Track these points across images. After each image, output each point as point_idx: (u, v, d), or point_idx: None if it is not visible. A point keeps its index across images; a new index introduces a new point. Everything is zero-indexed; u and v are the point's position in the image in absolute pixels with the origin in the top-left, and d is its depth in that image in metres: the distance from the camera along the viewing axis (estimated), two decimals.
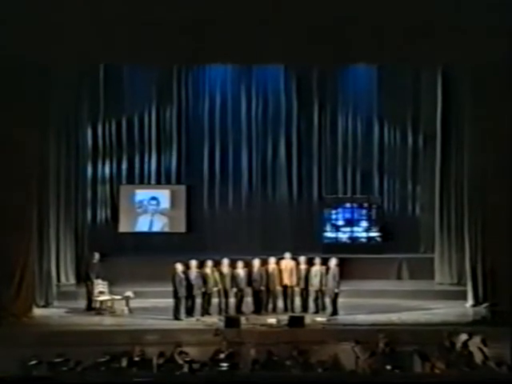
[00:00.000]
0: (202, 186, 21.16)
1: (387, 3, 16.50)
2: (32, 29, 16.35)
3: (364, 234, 20.67)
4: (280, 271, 17.06)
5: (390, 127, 21.00)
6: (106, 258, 18.56)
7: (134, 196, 20.96)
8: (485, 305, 17.42)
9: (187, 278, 16.54)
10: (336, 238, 20.62)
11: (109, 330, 15.93)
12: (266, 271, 16.99)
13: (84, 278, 17.80)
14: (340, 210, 20.82)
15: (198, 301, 16.76)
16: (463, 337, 13.13)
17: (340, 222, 20.76)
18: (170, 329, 15.76)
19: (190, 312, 16.63)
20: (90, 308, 17.21)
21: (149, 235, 20.96)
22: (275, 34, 16.81)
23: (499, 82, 16.89)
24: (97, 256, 17.75)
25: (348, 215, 20.79)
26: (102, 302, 17.08)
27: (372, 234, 20.62)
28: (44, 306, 17.45)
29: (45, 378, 11.01)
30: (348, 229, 20.71)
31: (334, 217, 20.74)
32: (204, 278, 16.73)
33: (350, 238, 20.69)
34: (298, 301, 17.22)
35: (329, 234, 20.65)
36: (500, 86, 16.88)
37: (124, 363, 12.08)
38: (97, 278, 17.28)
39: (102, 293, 17.17)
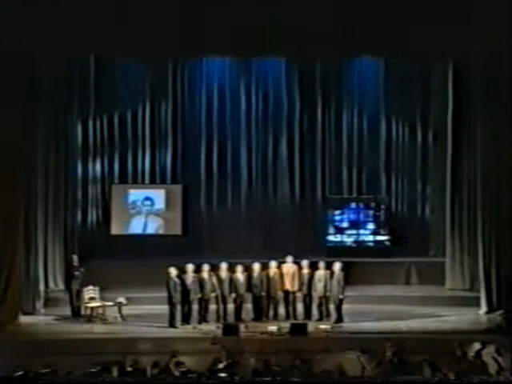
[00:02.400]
0: (199, 186, 21.13)
1: None
2: (18, 19, 16.31)
3: (371, 238, 20.62)
4: (281, 276, 17.01)
5: (398, 123, 20.97)
6: (96, 262, 18.56)
7: (126, 196, 20.91)
8: (499, 312, 17.34)
9: (183, 283, 16.49)
10: (341, 242, 20.57)
11: (100, 338, 15.86)
12: (267, 276, 16.94)
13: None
14: (345, 211, 20.76)
15: (195, 307, 16.72)
16: (476, 346, 13.07)
17: (345, 224, 20.70)
18: (164, 337, 15.71)
19: (186, 319, 16.57)
20: (76, 314, 17.18)
21: (143, 238, 20.91)
22: (276, 24, 16.77)
23: None
24: (75, 259, 17.80)
25: (353, 217, 20.73)
26: (92, 308, 17.01)
27: (380, 238, 20.54)
28: (31, 313, 17.37)
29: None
30: (353, 231, 20.65)
31: (338, 218, 20.68)
32: (201, 283, 16.68)
33: (356, 241, 20.62)
34: (300, 307, 17.15)
35: (333, 237, 20.59)
36: None
37: (115, 373, 12.00)
38: (82, 285, 17.23)
39: (92, 299, 17.12)
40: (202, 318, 16.73)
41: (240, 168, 21.13)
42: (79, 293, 17.26)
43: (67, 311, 17.36)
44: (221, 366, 12.59)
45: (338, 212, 20.75)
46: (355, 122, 21.07)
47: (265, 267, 17.03)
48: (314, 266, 17.03)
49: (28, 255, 17.43)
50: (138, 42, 17.00)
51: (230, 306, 16.96)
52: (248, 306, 17.05)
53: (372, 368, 12.51)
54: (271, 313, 17.05)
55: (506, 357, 12.83)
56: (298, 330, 15.85)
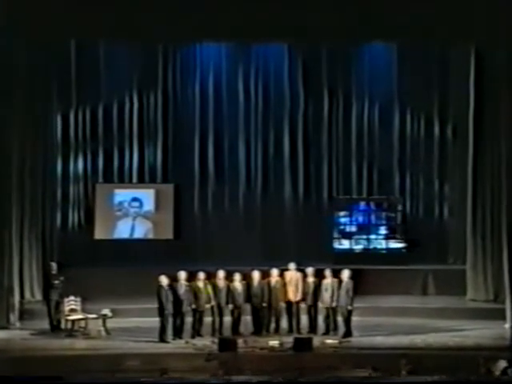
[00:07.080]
0: (193, 185, 21.14)
1: None
2: None
3: (383, 244, 20.60)
4: (284, 285, 17.00)
5: (414, 116, 20.95)
6: (78, 270, 18.60)
7: (112, 197, 20.92)
8: None
9: (175, 293, 16.47)
10: (350, 249, 20.58)
11: (82, 354, 15.80)
12: (268, 285, 16.93)
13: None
14: (354, 213, 20.75)
15: (188, 320, 16.70)
16: (502, 364, 13.03)
17: (354, 228, 20.67)
18: (154, 353, 15.66)
19: (178, 333, 16.56)
20: (55, 328, 17.12)
21: (130, 243, 20.94)
22: (277, 5, 16.77)
23: None
24: (54, 266, 17.79)
25: (364, 219, 20.72)
26: (73, 321, 16.96)
27: (394, 245, 20.48)
28: (4, 327, 17.35)
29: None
30: (363, 236, 20.64)
31: (347, 221, 20.65)
32: (195, 293, 16.67)
33: (366, 248, 20.56)
34: (304, 320, 17.15)
35: (340, 243, 20.58)
36: None
37: None
38: (62, 296, 17.17)
39: (73, 311, 17.09)
40: (196, 332, 16.70)
41: (238, 166, 21.13)
42: (59, 304, 17.23)
43: (45, 325, 17.31)
44: None
45: (346, 215, 20.69)
46: (365, 115, 21.04)
47: (265, 275, 17.01)
48: (320, 274, 17.02)
49: (1, 263, 17.44)
50: (125, 25, 16.98)
51: (227, 319, 16.93)
52: (247, 319, 17.04)
53: None
54: (272, 326, 17.03)
55: None
56: (303, 345, 15.78)
